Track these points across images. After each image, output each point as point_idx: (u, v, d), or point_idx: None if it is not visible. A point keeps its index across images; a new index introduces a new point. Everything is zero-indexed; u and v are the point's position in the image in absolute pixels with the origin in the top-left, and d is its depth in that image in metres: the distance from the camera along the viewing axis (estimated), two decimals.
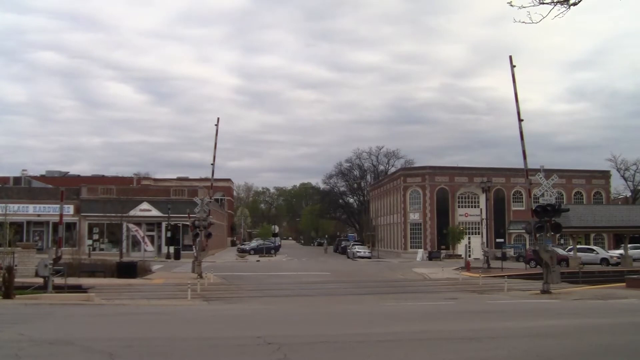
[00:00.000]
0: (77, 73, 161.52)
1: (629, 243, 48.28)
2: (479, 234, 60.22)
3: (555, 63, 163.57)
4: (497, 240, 63.14)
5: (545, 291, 25.01)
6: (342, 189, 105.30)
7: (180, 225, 52.87)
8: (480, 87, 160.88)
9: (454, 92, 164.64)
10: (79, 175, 79.12)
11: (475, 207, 63.64)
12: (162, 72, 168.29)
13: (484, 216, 53.96)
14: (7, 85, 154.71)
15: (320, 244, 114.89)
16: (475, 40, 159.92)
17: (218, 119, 36.27)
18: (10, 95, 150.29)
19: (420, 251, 62.02)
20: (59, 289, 20.73)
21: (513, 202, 67.33)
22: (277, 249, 79.02)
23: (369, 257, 64.38)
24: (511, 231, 65.51)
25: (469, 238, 60.33)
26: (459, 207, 66.29)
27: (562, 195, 63.62)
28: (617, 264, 44.90)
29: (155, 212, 53.57)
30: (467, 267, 41.58)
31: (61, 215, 28.98)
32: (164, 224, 53.98)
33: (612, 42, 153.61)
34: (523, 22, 8.81)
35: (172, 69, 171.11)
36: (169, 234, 53.80)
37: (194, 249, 36.12)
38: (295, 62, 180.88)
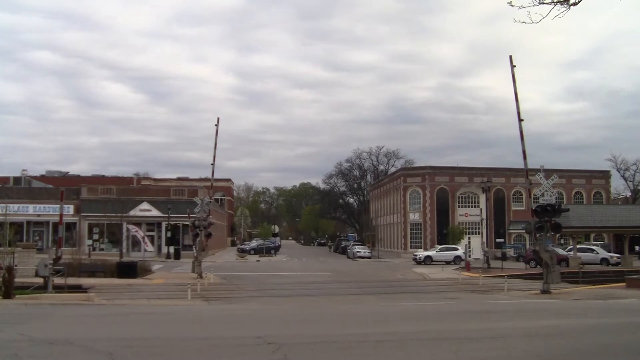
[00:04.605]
0: (73, 73, 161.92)
1: (630, 243, 48.38)
2: (479, 234, 60.19)
3: (553, 62, 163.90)
4: (497, 240, 63.17)
5: (545, 291, 25.00)
6: (342, 189, 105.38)
7: (180, 225, 52.88)
8: (478, 87, 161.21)
9: (451, 91, 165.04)
10: (79, 175, 79.14)
11: (475, 207, 63.61)
12: (158, 72, 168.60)
13: (484, 216, 53.94)
14: (3, 85, 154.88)
15: (321, 244, 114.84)
16: (471, 39, 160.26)
17: (218, 119, 36.33)
18: (7, 95, 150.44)
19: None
20: (59, 289, 20.75)
21: (513, 202, 67.33)
22: (277, 249, 79.03)
23: (369, 257, 64.39)
24: (511, 231, 65.49)
25: (469, 238, 60.29)
26: (459, 207, 66.28)
27: (562, 195, 63.62)
28: (617, 264, 44.96)
29: (155, 212, 53.58)
30: (467, 267, 41.58)
31: (61, 215, 29.02)
32: (164, 224, 53.98)
33: (610, 41, 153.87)
34: (523, 22, 8.82)
35: (168, 69, 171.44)
36: (169, 234, 53.80)
37: (194, 249, 36.12)
38: (292, 62, 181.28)
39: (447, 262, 50.45)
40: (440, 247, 55.96)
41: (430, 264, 49.79)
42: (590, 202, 67.05)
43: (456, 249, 53.35)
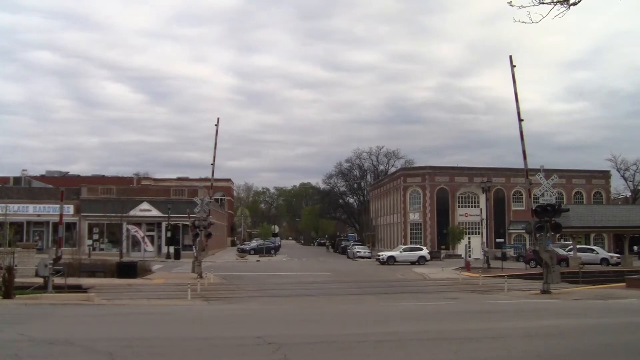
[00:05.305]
0: (73, 73, 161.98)
1: (629, 243, 48.42)
2: (479, 234, 60.22)
3: (553, 62, 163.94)
4: (497, 240, 63.16)
5: (545, 291, 25.01)
6: (342, 189, 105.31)
7: (180, 225, 52.87)
8: (478, 87, 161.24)
9: (451, 91, 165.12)
10: (79, 175, 79.17)
11: (475, 207, 63.63)
12: (158, 72, 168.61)
13: (484, 216, 53.96)
14: (3, 85, 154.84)
15: (320, 244, 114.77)
16: (471, 39, 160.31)
17: (218, 119, 36.34)
18: (7, 95, 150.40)
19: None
20: (59, 289, 20.75)
21: (513, 202, 67.34)
22: (277, 249, 79.01)
23: (369, 257, 64.34)
24: (511, 231, 65.51)
25: (469, 238, 60.32)
26: (459, 207, 66.29)
27: (562, 195, 63.62)
28: (617, 264, 45.00)
29: (155, 212, 53.58)
30: (467, 267, 41.56)
31: (61, 215, 29.04)
32: (164, 224, 53.98)
33: (610, 41, 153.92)
34: (523, 22, 8.83)
35: (168, 69, 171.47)
36: (169, 234, 53.80)
37: (194, 249, 36.12)
38: (291, 62, 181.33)
39: (412, 263, 49.76)
40: (404, 247, 55.96)
41: (393, 264, 49.30)
42: (590, 202, 67.05)
43: (421, 249, 53.15)
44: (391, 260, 50.68)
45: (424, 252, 52.22)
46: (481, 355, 8.73)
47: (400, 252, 52.85)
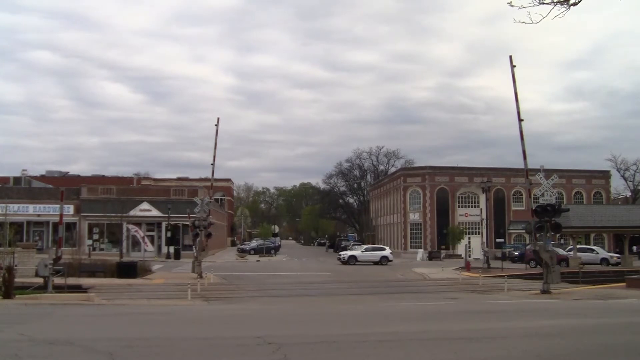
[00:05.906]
0: (73, 72, 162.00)
1: (629, 243, 48.43)
2: (479, 234, 60.23)
3: (553, 62, 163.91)
4: (497, 240, 63.17)
5: (545, 291, 25.01)
6: (342, 189, 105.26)
7: (180, 225, 52.86)
8: (478, 87, 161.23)
9: (451, 91, 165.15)
10: (79, 175, 79.16)
11: (475, 207, 63.65)
12: (157, 72, 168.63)
13: (484, 216, 53.95)
14: (3, 85, 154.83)
15: (321, 244, 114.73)
16: (471, 39, 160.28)
17: (218, 119, 36.28)
18: (7, 95, 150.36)
19: (420, 251, 62.02)
20: (59, 289, 20.76)
21: (513, 202, 67.37)
22: (277, 249, 78.98)
23: None
24: (511, 231, 65.53)
25: (469, 238, 60.33)
26: (459, 207, 66.31)
27: (562, 195, 63.64)
28: (617, 264, 45.01)
29: (155, 212, 53.57)
30: (467, 267, 41.57)
31: (61, 215, 29.04)
32: (164, 224, 53.97)
33: (610, 41, 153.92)
34: (523, 22, 8.83)
35: (167, 69, 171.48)
36: (169, 234, 53.79)
37: (194, 249, 36.11)
38: (291, 62, 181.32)
39: (375, 263, 49.33)
40: (365, 246, 55.75)
41: (354, 264, 49.01)
42: (590, 202, 67.08)
43: (383, 249, 52.89)
44: (352, 259, 50.24)
45: (387, 252, 51.84)
46: (481, 355, 8.74)
47: (362, 251, 52.60)
